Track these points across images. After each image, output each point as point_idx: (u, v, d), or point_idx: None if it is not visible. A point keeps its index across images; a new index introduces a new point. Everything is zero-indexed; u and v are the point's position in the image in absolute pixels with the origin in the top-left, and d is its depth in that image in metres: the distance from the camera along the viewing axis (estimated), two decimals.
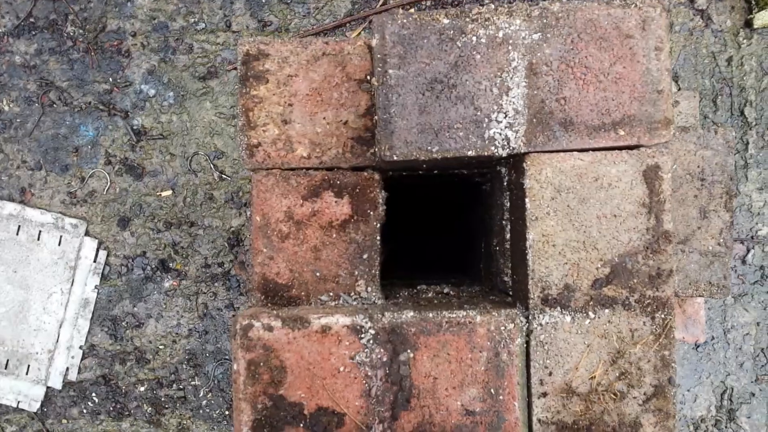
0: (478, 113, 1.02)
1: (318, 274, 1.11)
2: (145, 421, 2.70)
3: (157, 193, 2.53)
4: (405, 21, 1.04)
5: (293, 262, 1.11)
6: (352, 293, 1.10)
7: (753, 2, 2.56)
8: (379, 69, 1.03)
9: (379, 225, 1.12)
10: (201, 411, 2.70)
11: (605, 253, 1.00)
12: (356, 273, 1.11)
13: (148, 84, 2.57)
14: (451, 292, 1.20)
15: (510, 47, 1.03)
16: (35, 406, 2.46)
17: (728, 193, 1.76)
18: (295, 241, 1.11)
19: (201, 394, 2.70)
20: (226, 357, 2.72)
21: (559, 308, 1.00)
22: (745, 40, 2.59)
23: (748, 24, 2.61)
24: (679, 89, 2.70)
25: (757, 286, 2.64)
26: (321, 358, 0.97)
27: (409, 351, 0.99)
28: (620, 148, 1.01)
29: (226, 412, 2.67)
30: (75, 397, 2.71)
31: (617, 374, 1.00)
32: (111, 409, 2.73)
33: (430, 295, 1.18)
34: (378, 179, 1.12)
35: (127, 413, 2.70)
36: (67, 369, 2.50)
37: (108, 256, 2.52)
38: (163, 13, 2.60)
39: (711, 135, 1.75)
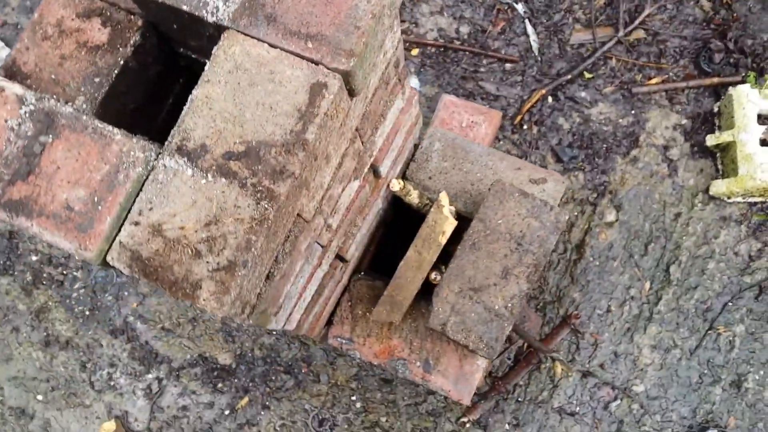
0: None
1: (54, 77, 1.25)
2: (20, 286, 2.86)
3: None
4: None
5: (42, 59, 1.26)
6: (70, 103, 1.24)
7: (720, 170, 2.59)
8: None
9: (122, 62, 1.27)
10: (68, 301, 2.83)
11: (248, 134, 1.10)
12: (83, 89, 1.25)
13: None
14: None
15: None
16: None
17: (536, 267, 1.80)
18: (52, 45, 1.27)
19: (76, 287, 2.84)
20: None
21: (186, 160, 1.10)
22: (700, 204, 2.61)
23: (708, 191, 2.63)
24: (563, 165, 2.70)
25: None
26: None
27: (51, 136, 1.12)
28: (303, 57, 1.12)
29: (87, 313, 2.80)
30: None
31: (204, 236, 1.08)
32: (1, 262, 2.90)
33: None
34: (139, 25, 1.27)
35: (11, 272, 2.87)
36: None
37: None
38: None
39: (545, 210, 1.81)
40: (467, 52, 2.88)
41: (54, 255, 2.95)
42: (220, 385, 2.74)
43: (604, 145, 2.76)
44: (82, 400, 2.80)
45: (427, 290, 1.91)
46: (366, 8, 1.13)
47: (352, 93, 1.21)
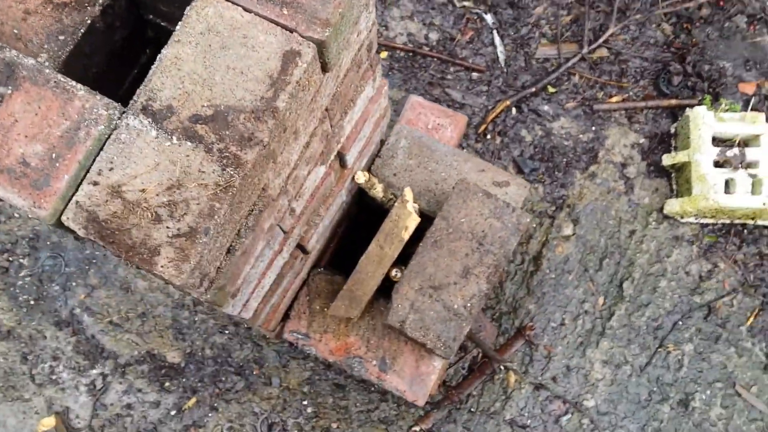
0: None
1: (16, 32, 1.21)
2: None
3: None
4: None
5: (4, 13, 1.21)
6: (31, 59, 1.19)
7: (675, 190, 2.64)
8: None
9: (89, 21, 1.23)
10: (12, 289, 2.73)
11: (217, 98, 1.07)
12: (46, 47, 1.20)
13: None
14: None
15: None
16: None
17: (496, 268, 1.79)
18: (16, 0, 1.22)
19: (22, 274, 2.75)
20: (62, 253, 2.77)
21: (151, 120, 1.06)
22: (654, 222, 2.65)
23: (662, 209, 2.68)
24: (524, 176, 2.73)
25: None
26: None
27: (10, 88, 1.07)
28: (277, 23, 1.10)
29: (32, 302, 2.70)
30: None
31: (166, 200, 1.04)
32: None
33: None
34: None
35: None
36: None
37: None
38: None
39: (507, 211, 1.81)
40: (435, 59, 2.90)
41: (1, 240, 2.84)
42: (167, 384, 2.66)
43: (564, 159, 2.79)
44: (21, 394, 2.69)
45: (386, 289, 1.89)
46: None
47: (324, 67, 1.20)
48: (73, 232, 1.07)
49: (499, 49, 2.91)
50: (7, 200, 1.06)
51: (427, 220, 1.89)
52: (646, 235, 2.72)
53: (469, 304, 1.78)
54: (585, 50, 2.86)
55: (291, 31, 1.10)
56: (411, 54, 2.91)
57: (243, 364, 2.64)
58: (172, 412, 2.62)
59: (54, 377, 2.69)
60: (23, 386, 2.69)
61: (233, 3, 1.11)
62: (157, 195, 1.05)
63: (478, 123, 2.83)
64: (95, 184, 1.05)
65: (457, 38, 2.92)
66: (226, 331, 2.67)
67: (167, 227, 1.04)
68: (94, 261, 2.80)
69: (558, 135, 2.83)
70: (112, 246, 1.04)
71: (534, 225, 2.75)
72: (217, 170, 1.06)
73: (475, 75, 2.90)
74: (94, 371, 2.68)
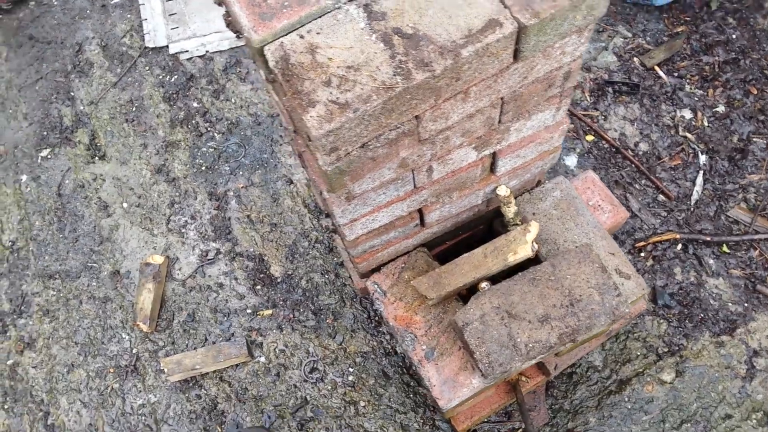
0: None
1: None
2: (170, 117, 3.21)
3: None
4: None
5: None
6: None
7: None
8: None
9: None
10: (196, 150, 3.14)
11: (421, 25, 1.29)
12: None
13: None
14: None
15: None
16: None
17: (573, 332, 1.87)
18: None
19: (209, 144, 3.15)
20: (246, 146, 3.14)
21: (366, 16, 1.30)
22: (755, 421, 2.55)
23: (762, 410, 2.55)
24: (654, 306, 2.67)
25: None
26: None
27: None
28: None
29: (203, 168, 3.08)
30: None
31: (342, 74, 1.26)
32: (171, 92, 3.27)
33: None
34: None
35: (171, 103, 3.22)
36: None
37: None
38: None
39: (612, 292, 1.88)
40: (633, 165, 2.96)
41: (210, 112, 3.29)
42: (258, 287, 2.93)
43: (702, 315, 2.73)
44: (153, 228, 3.09)
45: (469, 297, 2.01)
46: None
47: (516, 55, 1.37)
48: (266, 63, 1.32)
49: (697, 188, 2.91)
50: (236, 16, 1.33)
51: (537, 262, 1.99)
52: (741, 428, 2.59)
53: (530, 345, 1.85)
54: None
55: (506, 6, 1.29)
56: (614, 150, 3.00)
57: (323, 309, 2.84)
58: (248, 311, 2.88)
59: (183, 230, 3.06)
60: (157, 224, 3.09)
61: None
62: (338, 67, 1.28)
63: (640, 239, 2.85)
64: (301, 37, 1.30)
65: (664, 159, 2.97)
66: (327, 276, 2.90)
67: (330, 92, 1.26)
68: (266, 165, 3.15)
69: (708, 291, 2.78)
70: (287, 84, 1.28)
71: (638, 354, 2.71)
72: (389, 73, 1.26)
73: (661, 197, 2.92)
74: (213, 244, 3.02)
